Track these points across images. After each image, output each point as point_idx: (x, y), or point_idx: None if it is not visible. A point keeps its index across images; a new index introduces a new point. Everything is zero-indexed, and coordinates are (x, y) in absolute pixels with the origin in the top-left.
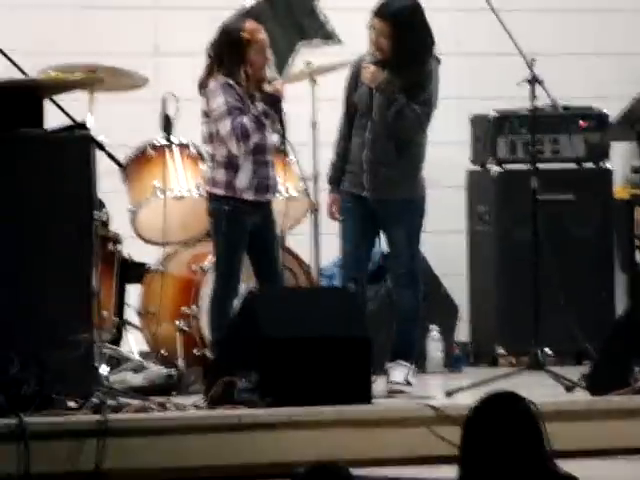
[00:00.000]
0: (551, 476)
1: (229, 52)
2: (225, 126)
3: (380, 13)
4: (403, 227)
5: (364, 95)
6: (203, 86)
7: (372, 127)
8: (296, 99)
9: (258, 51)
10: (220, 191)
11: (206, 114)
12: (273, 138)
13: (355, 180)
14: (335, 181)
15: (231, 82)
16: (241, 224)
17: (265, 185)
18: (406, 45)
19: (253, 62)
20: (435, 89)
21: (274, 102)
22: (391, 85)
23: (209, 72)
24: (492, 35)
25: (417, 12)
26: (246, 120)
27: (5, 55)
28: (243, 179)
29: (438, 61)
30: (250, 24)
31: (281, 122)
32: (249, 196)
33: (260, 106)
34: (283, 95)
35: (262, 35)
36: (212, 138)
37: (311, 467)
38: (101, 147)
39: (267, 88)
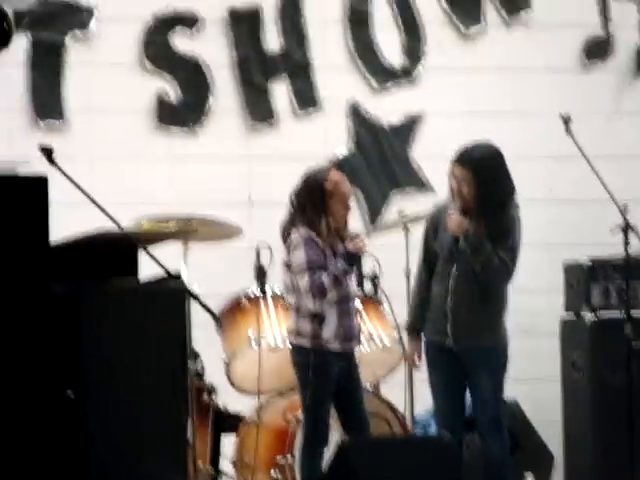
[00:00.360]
0: None
1: (311, 202)
2: (304, 282)
3: (461, 160)
4: (487, 375)
5: (447, 243)
6: (285, 236)
7: (456, 275)
8: (390, 248)
9: (340, 202)
10: (306, 342)
11: (288, 265)
12: (354, 287)
13: (437, 328)
14: (416, 329)
15: (313, 235)
16: (327, 375)
17: (350, 335)
18: (489, 192)
19: (334, 213)
20: (519, 235)
21: (354, 260)
22: (477, 234)
23: (291, 221)
24: (584, 181)
25: (498, 159)
26: (324, 277)
27: (99, 206)
28: (329, 330)
29: (517, 206)
30: (334, 174)
31: (360, 275)
32: (335, 346)
33: (340, 263)
34: (364, 252)
35: (345, 186)
36: (295, 289)
37: None
38: (195, 298)
39: (349, 246)
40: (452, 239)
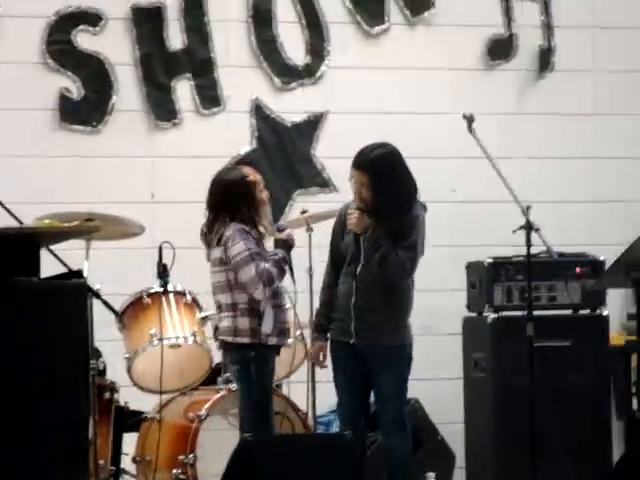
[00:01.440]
0: None
1: (243, 200)
2: (249, 272)
3: (357, 164)
4: (390, 374)
5: (351, 242)
6: (209, 240)
7: (359, 274)
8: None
9: (261, 190)
10: (245, 339)
11: (222, 262)
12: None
13: (342, 328)
14: (321, 329)
15: (248, 229)
16: (270, 370)
17: (285, 329)
18: (387, 194)
19: (261, 202)
20: (422, 235)
21: (288, 248)
22: (375, 232)
23: (214, 224)
24: (487, 182)
25: (394, 160)
26: (269, 266)
27: (1, 204)
28: (268, 325)
29: (424, 208)
30: (246, 168)
31: (291, 268)
32: (273, 341)
33: (281, 253)
34: (294, 241)
35: (259, 175)
36: (230, 286)
37: None
38: (97, 295)
39: (280, 235)
40: (354, 238)
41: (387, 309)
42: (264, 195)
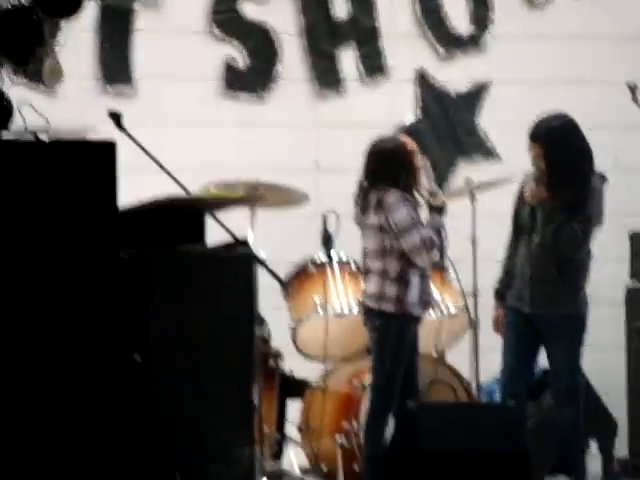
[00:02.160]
0: None
1: (403, 168)
2: (414, 239)
3: (533, 135)
4: (564, 343)
5: (527, 214)
6: (363, 201)
7: (535, 245)
8: (456, 215)
9: (418, 158)
10: (390, 307)
11: (381, 228)
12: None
13: (518, 295)
14: (501, 296)
15: (407, 196)
16: (407, 340)
17: (428, 300)
18: (561, 165)
19: (418, 170)
20: (599, 207)
21: (441, 214)
22: (550, 204)
23: (372, 189)
24: None
25: (569, 131)
26: (430, 232)
27: (168, 172)
28: (413, 294)
29: (603, 179)
30: (402, 137)
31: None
32: (416, 311)
33: (439, 220)
34: (446, 207)
35: (414, 143)
36: (385, 252)
37: None
38: (262, 263)
39: (435, 202)
40: (529, 209)
41: (561, 280)
42: (420, 163)
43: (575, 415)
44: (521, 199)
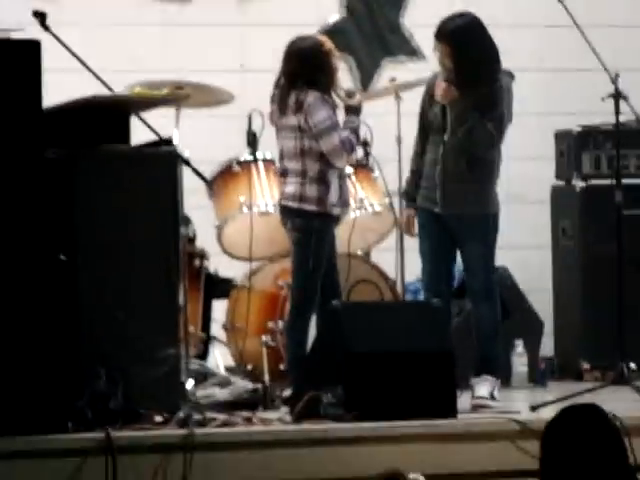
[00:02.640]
0: None
1: (320, 69)
2: (333, 140)
3: (438, 35)
4: (477, 243)
5: (438, 113)
6: (283, 101)
7: (445, 144)
8: (381, 115)
9: (336, 58)
10: (311, 207)
11: (300, 129)
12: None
13: (428, 196)
14: (410, 197)
15: (326, 97)
16: (327, 239)
17: (347, 199)
18: (468, 63)
19: (335, 70)
20: (509, 105)
21: (358, 115)
22: (463, 103)
23: (291, 89)
24: (576, 51)
25: (474, 28)
26: (350, 135)
27: (92, 72)
28: (333, 194)
29: (511, 76)
30: (319, 36)
31: (364, 140)
32: (336, 211)
33: (356, 120)
34: (362, 107)
35: (332, 43)
36: (303, 153)
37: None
38: (187, 163)
39: (351, 101)
40: (441, 108)
41: (473, 178)
42: (338, 63)
43: (492, 313)
44: (428, 98)
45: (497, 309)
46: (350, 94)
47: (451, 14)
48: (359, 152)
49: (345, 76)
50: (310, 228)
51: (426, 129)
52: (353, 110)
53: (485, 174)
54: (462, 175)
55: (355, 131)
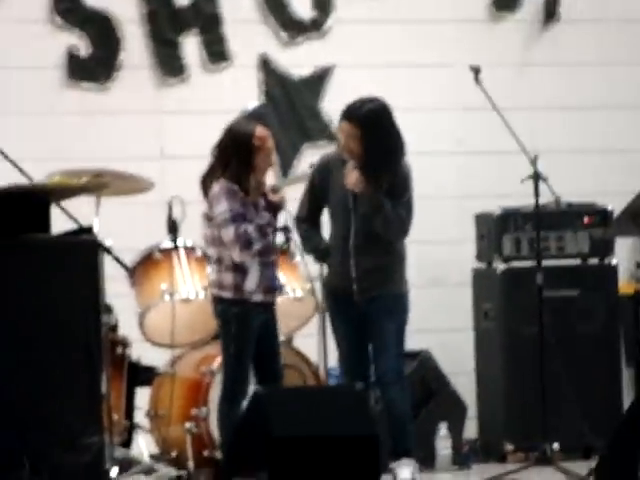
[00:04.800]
0: None
1: (238, 158)
2: (228, 233)
3: (348, 115)
4: (389, 324)
5: (343, 200)
6: (206, 188)
7: (355, 234)
8: (299, 200)
9: (266, 158)
10: (228, 294)
11: (209, 218)
12: (277, 239)
13: (341, 283)
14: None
15: (235, 188)
16: (250, 326)
17: (271, 286)
18: (377, 148)
19: (260, 168)
20: (412, 188)
21: (277, 211)
22: (376, 193)
23: (212, 174)
24: (494, 133)
25: (385, 113)
26: (251, 229)
27: (11, 161)
28: (251, 281)
29: (407, 161)
30: (260, 130)
31: (285, 226)
32: (257, 298)
33: (267, 216)
34: (285, 204)
35: (271, 142)
36: (216, 241)
37: None
38: (108, 251)
39: (274, 198)
40: (350, 196)
41: (387, 263)
42: (266, 163)
43: (403, 394)
44: (321, 177)
45: (407, 392)
46: (275, 190)
47: (360, 98)
48: (279, 238)
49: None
50: (228, 315)
51: (315, 208)
52: (270, 207)
53: (396, 257)
54: (378, 264)
55: (260, 228)
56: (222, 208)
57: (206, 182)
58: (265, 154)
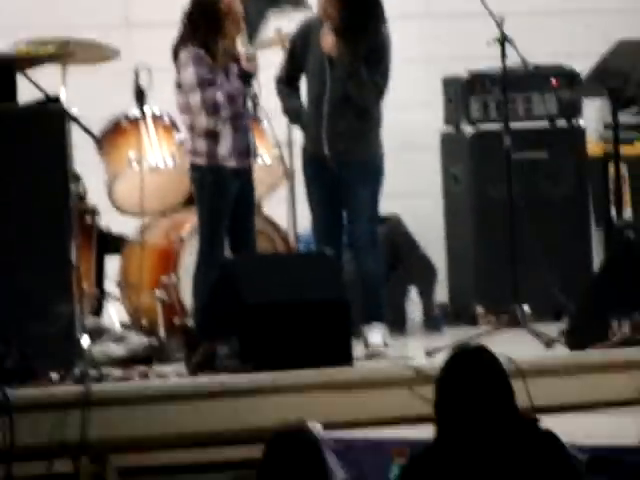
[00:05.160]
0: (526, 429)
1: (205, 23)
2: (195, 99)
3: None
4: (364, 189)
5: (320, 63)
6: (176, 56)
7: (330, 98)
8: (267, 66)
9: (234, 23)
10: (202, 160)
11: (179, 85)
12: (249, 104)
13: (315, 148)
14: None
15: (202, 53)
16: (224, 192)
17: (245, 151)
18: (355, 13)
19: (228, 34)
20: (391, 55)
21: (248, 78)
22: (353, 58)
23: (182, 41)
24: None
25: None
26: (219, 95)
27: None
28: (224, 147)
29: (386, 23)
30: None
31: (253, 94)
32: (231, 163)
33: (237, 83)
34: (257, 72)
35: (239, 7)
36: (189, 108)
37: (278, 433)
38: (75, 120)
39: (246, 66)
40: (326, 60)
41: (361, 128)
42: (235, 29)
43: (377, 259)
44: (302, 42)
45: (380, 256)
46: (249, 58)
47: None
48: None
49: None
50: (202, 181)
51: (295, 73)
52: (242, 74)
53: (371, 122)
54: (351, 127)
55: (230, 94)
56: (189, 74)
57: (176, 50)
58: (233, 19)
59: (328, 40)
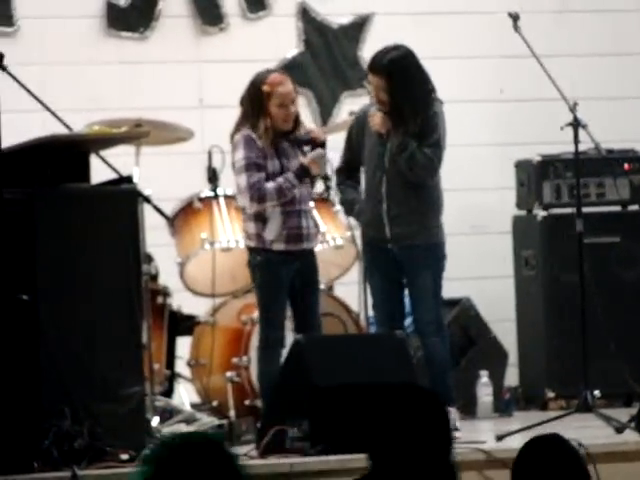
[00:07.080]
0: None
1: (251, 104)
2: (241, 181)
3: (373, 67)
4: (426, 274)
5: (375, 146)
6: (231, 138)
7: (387, 180)
8: (341, 148)
9: (279, 104)
10: (252, 243)
11: (233, 166)
12: (309, 188)
13: (376, 232)
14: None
15: (254, 136)
16: (275, 274)
17: (296, 235)
18: (405, 95)
19: (273, 115)
20: (443, 130)
21: (320, 147)
22: (400, 132)
23: (238, 125)
24: (535, 80)
25: (409, 60)
26: (270, 185)
27: (51, 112)
28: (271, 230)
29: (441, 102)
30: (273, 76)
31: (325, 175)
32: (279, 247)
33: (290, 177)
34: (324, 138)
35: (285, 88)
36: (239, 190)
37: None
38: (148, 200)
39: (312, 135)
40: (378, 140)
41: (421, 210)
42: (281, 110)
43: (443, 343)
44: (357, 131)
45: (447, 341)
46: (307, 131)
47: (384, 47)
48: (319, 186)
49: (304, 110)
50: (254, 264)
51: (352, 163)
52: (312, 143)
53: (430, 204)
54: (411, 208)
55: (278, 186)
56: (238, 156)
57: (233, 133)
58: (278, 98)
59: (376, 118)
